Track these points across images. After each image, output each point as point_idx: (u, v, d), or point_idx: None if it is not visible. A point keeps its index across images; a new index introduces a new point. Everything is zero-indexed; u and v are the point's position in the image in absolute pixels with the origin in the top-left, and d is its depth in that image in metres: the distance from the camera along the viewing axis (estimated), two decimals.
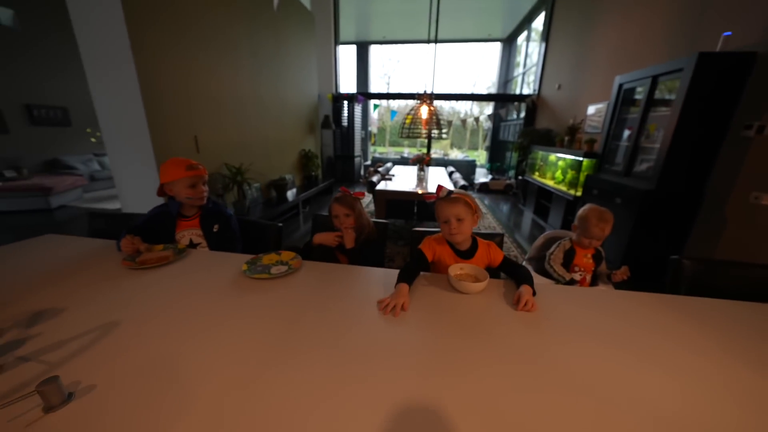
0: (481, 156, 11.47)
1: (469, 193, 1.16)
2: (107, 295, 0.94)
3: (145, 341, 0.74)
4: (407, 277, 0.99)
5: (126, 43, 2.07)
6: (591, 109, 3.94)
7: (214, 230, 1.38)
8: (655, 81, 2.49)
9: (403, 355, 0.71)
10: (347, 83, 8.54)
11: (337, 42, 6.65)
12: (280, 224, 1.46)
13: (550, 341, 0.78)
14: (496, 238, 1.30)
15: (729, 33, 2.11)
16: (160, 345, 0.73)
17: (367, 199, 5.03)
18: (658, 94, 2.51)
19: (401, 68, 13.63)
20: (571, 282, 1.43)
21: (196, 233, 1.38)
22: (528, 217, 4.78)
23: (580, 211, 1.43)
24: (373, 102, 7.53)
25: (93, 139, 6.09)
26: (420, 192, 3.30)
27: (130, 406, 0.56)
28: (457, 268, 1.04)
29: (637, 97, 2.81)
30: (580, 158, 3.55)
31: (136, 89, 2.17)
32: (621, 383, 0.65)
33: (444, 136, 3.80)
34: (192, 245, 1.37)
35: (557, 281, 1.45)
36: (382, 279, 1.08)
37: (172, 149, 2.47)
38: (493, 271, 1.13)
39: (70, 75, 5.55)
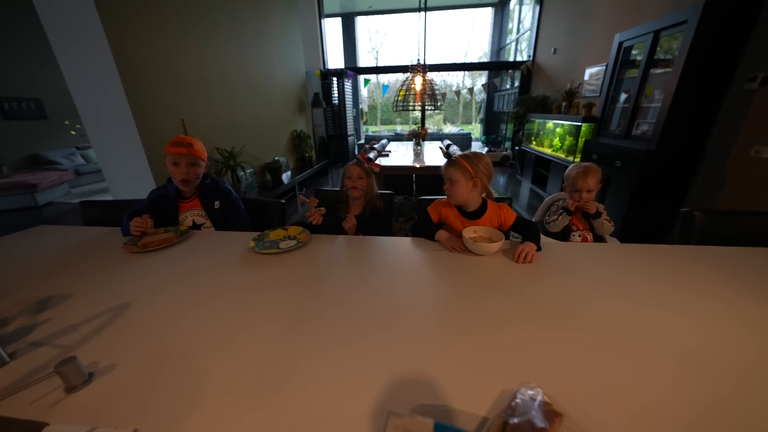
0: (475, 129, 11.30)
1: (477, 156, 1.11)
2: (113, 278, 0.91)
3: (159, 320, 0.72)
4: (432, 228, 1.11)
5: (98, 24, 1.91)
6: (588, 73, 3.83)
7: (216, 207, 1.33)
8: (656, 37, 2.40)
9: (418, 322, 0.70)
10: (335, 59, 8.15)
11: (321, 15, 6.29)
12: (283, 201, 1.42)
13: (567, 293, 0.78)
14: (506, 201, 1.28)
15: None
16: (175, 323, 0.71)
17: None
18: (657, 54, 2.44)
19: (389, 41, 13.08)
20: (567, 215, 1.39)
21: (198, 213, 1.33)
22: (526, 187, 4.78)
23: (566, 172, 1.44)
24: (363, 77, 7.26)
25: (73, 132, 5.81)
26: (418, 166, 3.25)
27: (152, 384, 0.55)
28: (471, 231, 1.03)
29: (635, 57, 2.73)
30: (579, 123, 3.49)
31: (115, 74, 2.03)
32: (641, 328, 0.65)
33: (439, 107, 3.69)
34: (196, 227, 1.33)
35: (554, 227, 1.41)
36: (392, 247, 1.07)
37: (159, 135, 2.36)
38: (505, 233, 1.12)
39: (40, 64, 5.20)
